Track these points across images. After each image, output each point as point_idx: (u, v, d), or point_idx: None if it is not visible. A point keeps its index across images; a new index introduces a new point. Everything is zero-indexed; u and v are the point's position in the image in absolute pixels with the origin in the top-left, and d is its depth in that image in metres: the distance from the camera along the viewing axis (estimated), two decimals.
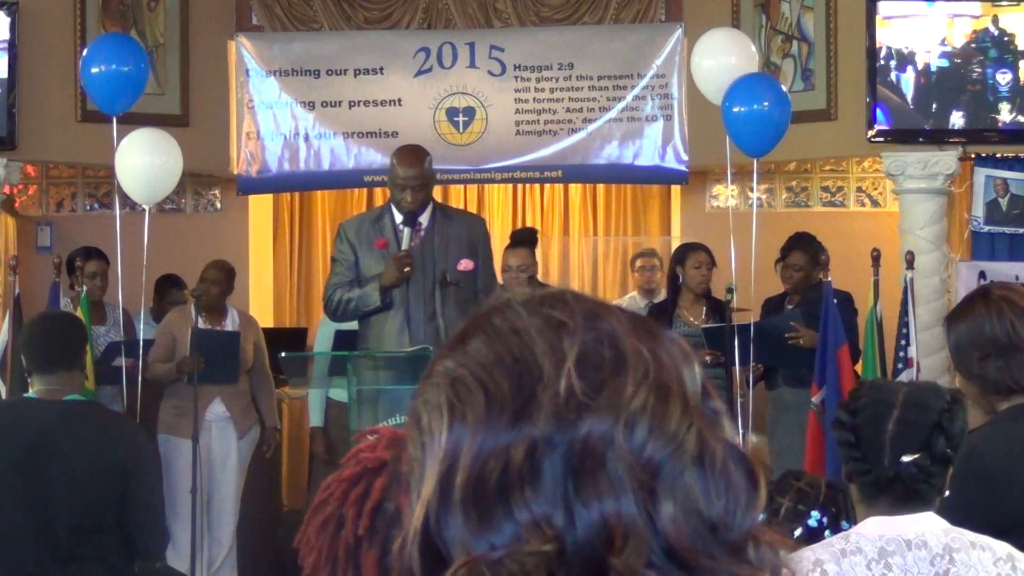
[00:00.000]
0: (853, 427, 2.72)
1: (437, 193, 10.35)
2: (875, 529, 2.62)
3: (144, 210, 7.21)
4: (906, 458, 2.65)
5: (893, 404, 2.69)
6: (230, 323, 7.72)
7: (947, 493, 2.72)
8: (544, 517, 1.02)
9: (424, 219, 6.36)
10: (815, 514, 3.28)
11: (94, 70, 7.07)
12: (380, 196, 10.64)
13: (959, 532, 2.60)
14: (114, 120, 7.03)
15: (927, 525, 2.61)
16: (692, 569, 1.03)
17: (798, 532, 3.15)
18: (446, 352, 1.11)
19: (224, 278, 7.75)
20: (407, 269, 6.17)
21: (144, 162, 6.99)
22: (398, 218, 6.35)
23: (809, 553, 2.61)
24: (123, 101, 7.04)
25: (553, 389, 1.04)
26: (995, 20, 8.39)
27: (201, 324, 7.57)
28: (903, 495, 2.65)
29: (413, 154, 6.49)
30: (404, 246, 6.25)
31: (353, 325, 6.72)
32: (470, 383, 1.07)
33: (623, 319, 1.10)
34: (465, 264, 6.31)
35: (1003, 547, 2.59)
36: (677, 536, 1.02)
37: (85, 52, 7.35)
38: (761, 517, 1.08)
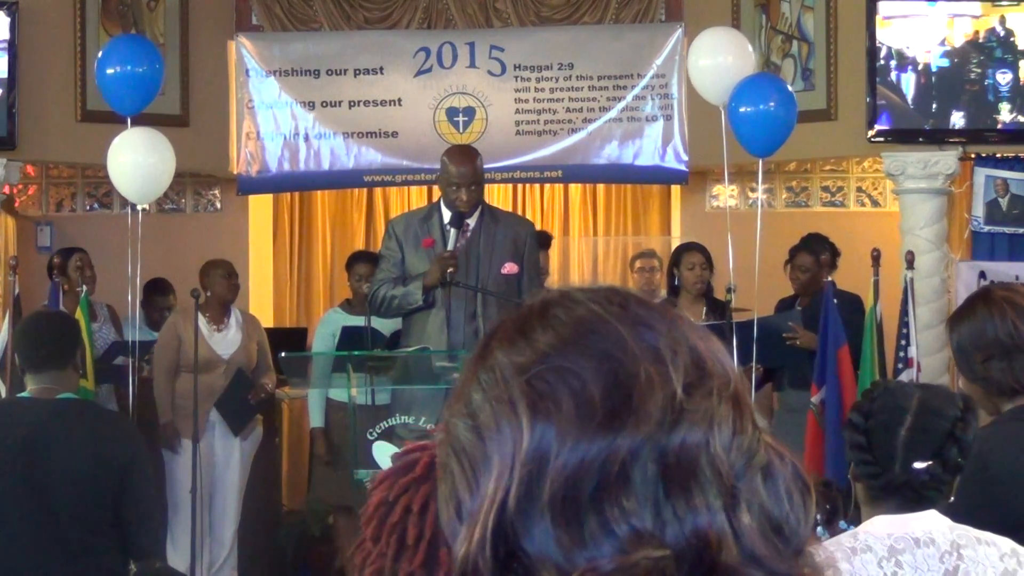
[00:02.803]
0: (865, 430, 2.72)
1: (437, 194, 10.40)
2: (883, 527, 2.63)
3: (143, 210, 7.21)
4: (918, 465, 2.66)
5: (907, 409, 2.69)
6: (233, 323, 7.70)
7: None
8: (642, 524, 1.00)
9: (472, 220, 6.37)
10: (841, 524, 3.28)
11: (109, 71, 7.08)
12: (380, 196, 10.65)
13: (964, 529, 2.61)
14: (128, 120, 7.05)
15: (933, 523, 2.62)
16: (769, 572, 1.03)
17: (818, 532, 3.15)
18: (502, 343, 1.06)
19: (233, 277, 7.76)
20: (451, 270, 6.18)
21: (136, 161, 6.99)
22: (446, 217, 6.36)
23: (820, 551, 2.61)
24: (137, 102, 7.05)
25: (659, 393, 1.01)
26: (998, 20, 8.38)
27: (205, 326, 7.57)
28: (911, 500, 2.66)
29: (465, 153, 6.54)
30: (450, 246, 6.25)
31: (359, 321, 6.74)
32: (551, 380, 1.02)
33: (689, 323, 1.08)
34: (509, 268, 6.33)
35: (1007, 543, 2.60)
36: (757, 543, 1.02)
37: (100, 53, 7.37)
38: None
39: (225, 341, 7.61)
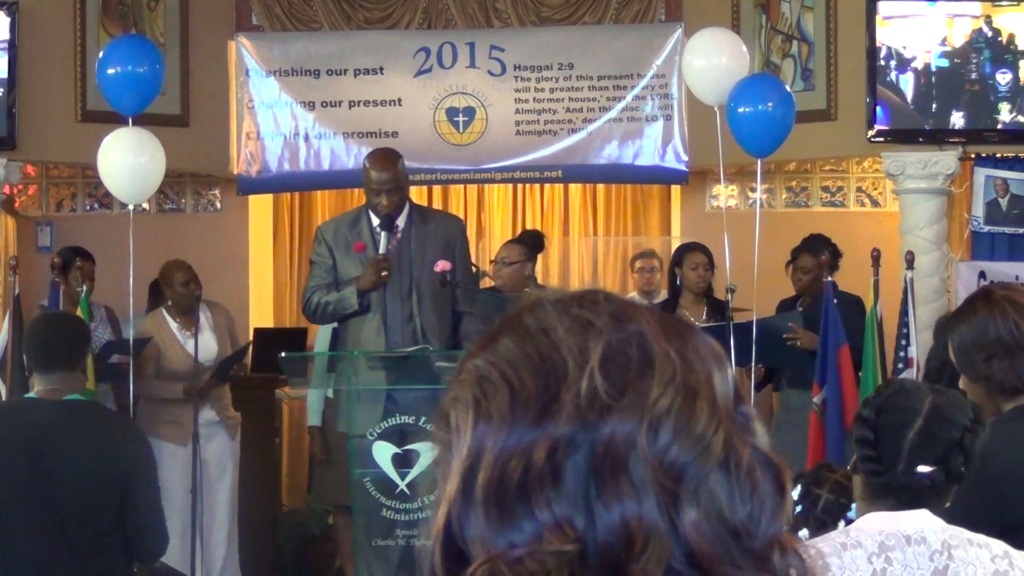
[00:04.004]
0: (874, 427, 2.72)
1: (437, 194, 10.42)
2: (875, 524, 2.63)
3: (140, 209, 7.20)
4: (922, 469, 2.66)
5: (918, 412, 2.69)
6: (204, 323, 7.62)
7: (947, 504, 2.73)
8: (565, 518, 1.01)
9: (401, 221, 6.38)
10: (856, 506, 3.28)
11: (110, 71, 7.08)
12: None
13: (956, 530, 2.61)
14: (130, 120, 7.04)
15: (925, 522, 2.62)
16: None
17: (841, 525, 3.14)
18: (477, 350, 1.10)
19: (194, 277, 7.64)
20: (384, 273, 6.20)
21: (127, 161, 6.98)
22: (375, 221, 6.37)
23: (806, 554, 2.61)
24: (138, 102, 7.05)
25: (576, 388, 1.03)
26: (993, 20, 8.39)
27: (175, 328, 7.55)
28: (908, 501, 2.66)
29: (386, 157, 6.50)
30: (382, 249, 6.26)
31: None
32: (496, 380, 1.06)
33: (653, 320, 1.08)
34: (441, 265, 6.34)
35: (1000, 545, 2.60)
36: (699, 542, 1.01)
37: (101, 53, 7.36)
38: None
39: (204, 346, 7.51)
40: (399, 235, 6.36)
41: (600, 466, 1.02)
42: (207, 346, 7.54)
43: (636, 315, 1.09)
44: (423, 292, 6.34)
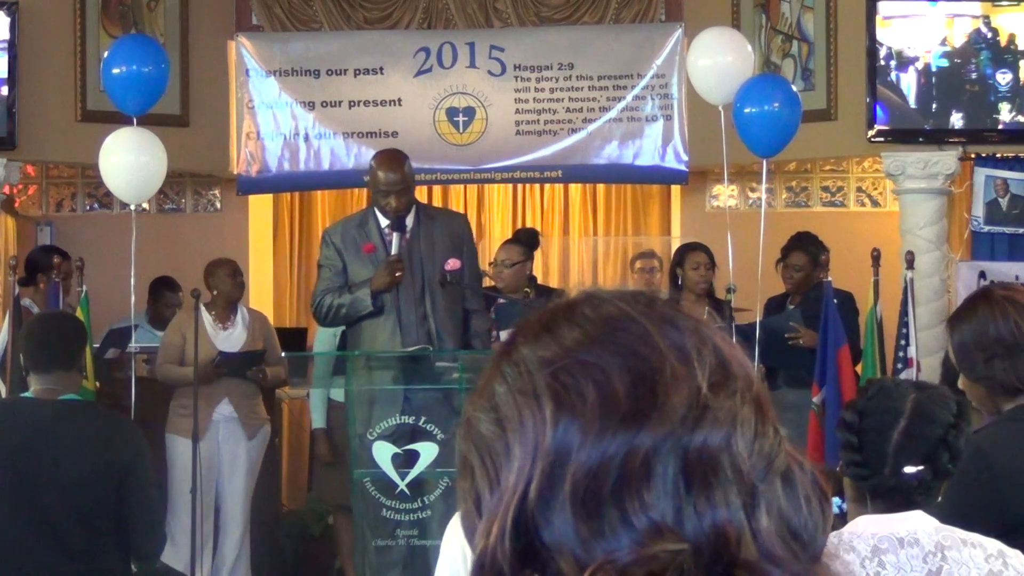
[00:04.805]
0: (858, 430, 2.71)
1: (437, 194, 10.42)
2: (867, 527, 2.62)
3: (140, 209, 7.21)
4: (908, 469, 2.65)
5: (901, 413, 2.68)
6: (239, 321, 7.68)
7: (940, 499, 2.72)
8: (662, 519, 1.00)
9: (409, 221, 6.37)
10: (836, 500, 3.28)
11: (115, 71, 7.08)
12: None
13: (950, 530, 2.60)
14: (135, 120, 7.05)
15: (918, 523, 2.61)
16: (787, 573, 1.03)
17: None
18: (528, 339, 1.06)
19: (239, 271, 7.79)
20: (398, 274, 6.19)
21: (128, 161, 6.98)
22: (383, 221, 6.36)
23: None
24: (143, 102, 7.05)
25: (683, 390, 1.02)
26: (992, 20, 8.39)
27: (210, 324, 7.57)
28: (898, 502, 2.65)
29: (393, 159, 6.49)
30: (394, 250, 6.25)
31: None
32: (577, 374, 1.02)
33: (711, 326, 1.09)
34: (452, 263, 6.33)
35: (994, 544, 2.59)
36: (772, 543, 1.02)
37: (106, 53, 7.37)
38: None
39: (230, 340, 7.60)
40: (407, 235, 6.36)
41: (695, 468, 1.01)
42: (237, 340, 7.59)
43: (702, 319, 1.09)
44: (435, 292, 6.33)
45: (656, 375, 1.02)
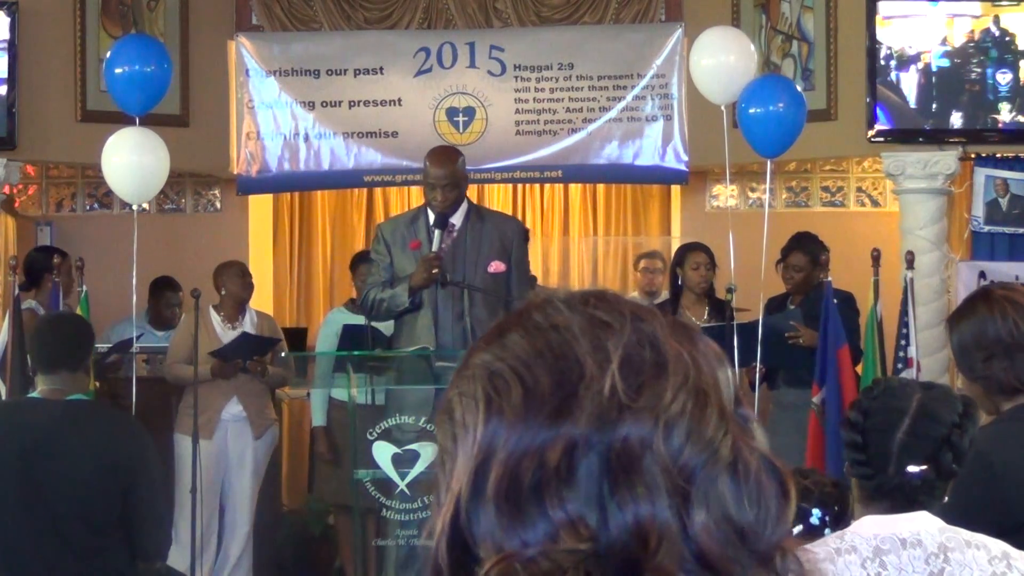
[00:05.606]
0: (862, 430, 2.71)
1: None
2: (870, 528, 2.62)
3: (141, 209, 7.21)
4: (912, 469, 2.65)
5: (905, 412, 2.67)
6: (247, 322, 7.69)
7: (946, 499, 2.72)
8: (579, 517, 1.01)
9: (457, 220, 6.36)
10: (816, 512, 3.28)
11: (117, 71, 7.08)
12: (380, 196, 10.65)
13: (954, 531, 2.60)
14: (137, 120, 7.05)
15: (922, 524, 2.61)
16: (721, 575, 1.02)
17: (798, 529, 3.14)
18: (483, 345, 1.10)
19: (248, 272, 7.83)
20: (435, 271, 6.18)
21: (131, 161, 6.98)
22: (432, 219, 6.36)
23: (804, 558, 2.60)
24: (146, 101, 7.06)
25: (596, 388, 1.04)
26: (995, 20, 8.39)
27: (219, 324, 7.57)
28: (903, 502, 2.65)
29: (444, 154, 6.51)
30: (435, 247, 6.25)
31: (359, 320, 6.73)
32: (508, 376, 1.06)
33: (664, 322, 1.09)
34: (496, 266, 6.32)
35: (998, 545, 2.59)
36: (709, 543, 1.02)
37: (108, 53, 7.37)
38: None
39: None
40: (454, 233, 6.35)
41: (615, 466, 1.02)
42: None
43: (649, 316, 1.09)
44: (474, 291, 6.32)
45: (576, 375, 1.04)
